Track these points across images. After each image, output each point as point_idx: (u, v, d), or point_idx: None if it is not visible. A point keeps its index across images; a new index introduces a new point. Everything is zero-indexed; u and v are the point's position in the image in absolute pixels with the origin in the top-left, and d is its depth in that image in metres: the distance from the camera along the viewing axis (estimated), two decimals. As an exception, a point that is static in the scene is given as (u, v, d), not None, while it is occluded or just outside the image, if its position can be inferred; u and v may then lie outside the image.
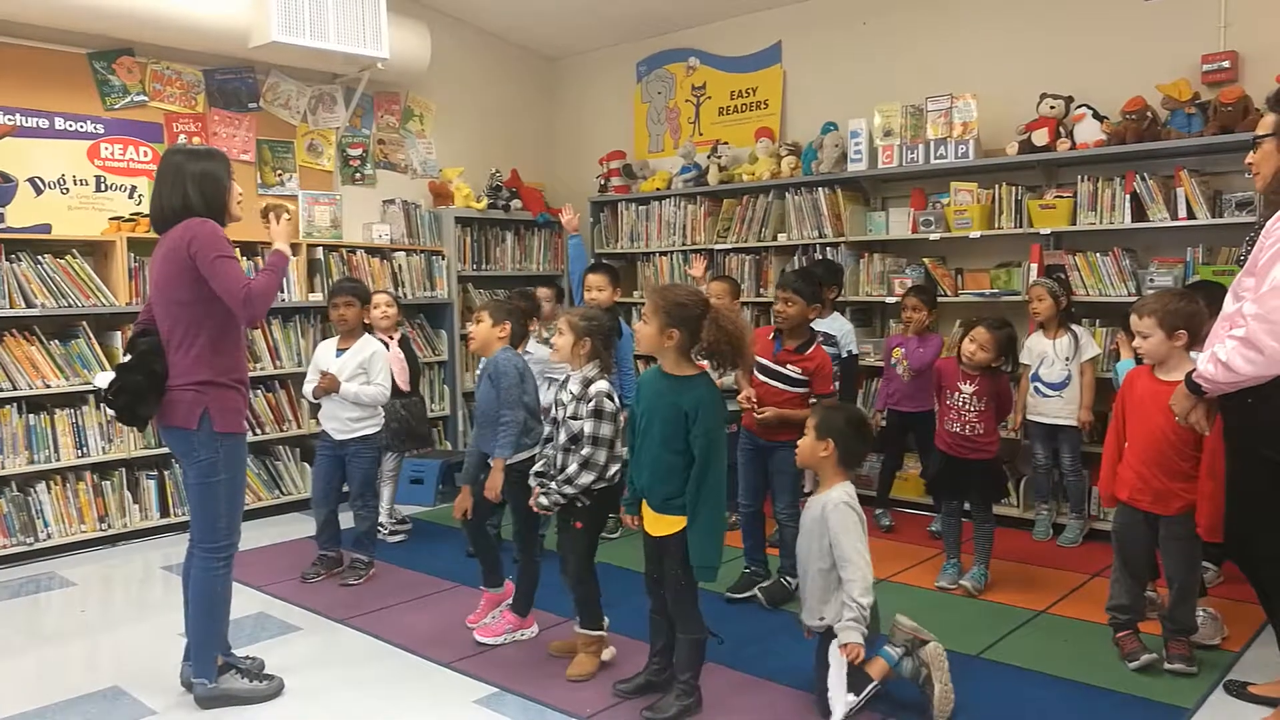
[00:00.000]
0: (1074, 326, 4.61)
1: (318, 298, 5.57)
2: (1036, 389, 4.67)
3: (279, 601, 4.03)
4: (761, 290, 5.97)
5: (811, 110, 6.06)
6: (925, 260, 5.34)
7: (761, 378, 3.86)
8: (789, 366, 3.81)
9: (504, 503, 3.56)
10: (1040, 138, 4.91)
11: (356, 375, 4.30)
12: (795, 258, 5.81)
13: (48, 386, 4.64)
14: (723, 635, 3.10)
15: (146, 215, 5.08)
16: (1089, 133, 4.77)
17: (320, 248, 5.73)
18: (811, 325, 3.97)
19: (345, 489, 4.44)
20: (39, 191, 4.97)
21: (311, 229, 5.94)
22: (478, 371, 3.73)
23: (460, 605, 3.85)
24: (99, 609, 4.08)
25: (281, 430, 5.50)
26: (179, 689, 3.13)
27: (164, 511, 5.05)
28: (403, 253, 6.11)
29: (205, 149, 3.11)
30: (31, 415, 4.62)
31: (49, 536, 4.68)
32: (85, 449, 4.78)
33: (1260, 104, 4.13)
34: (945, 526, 4.20)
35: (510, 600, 3.64)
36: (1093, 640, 3.44)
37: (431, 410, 6.05)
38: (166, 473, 5.07)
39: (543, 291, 5.00)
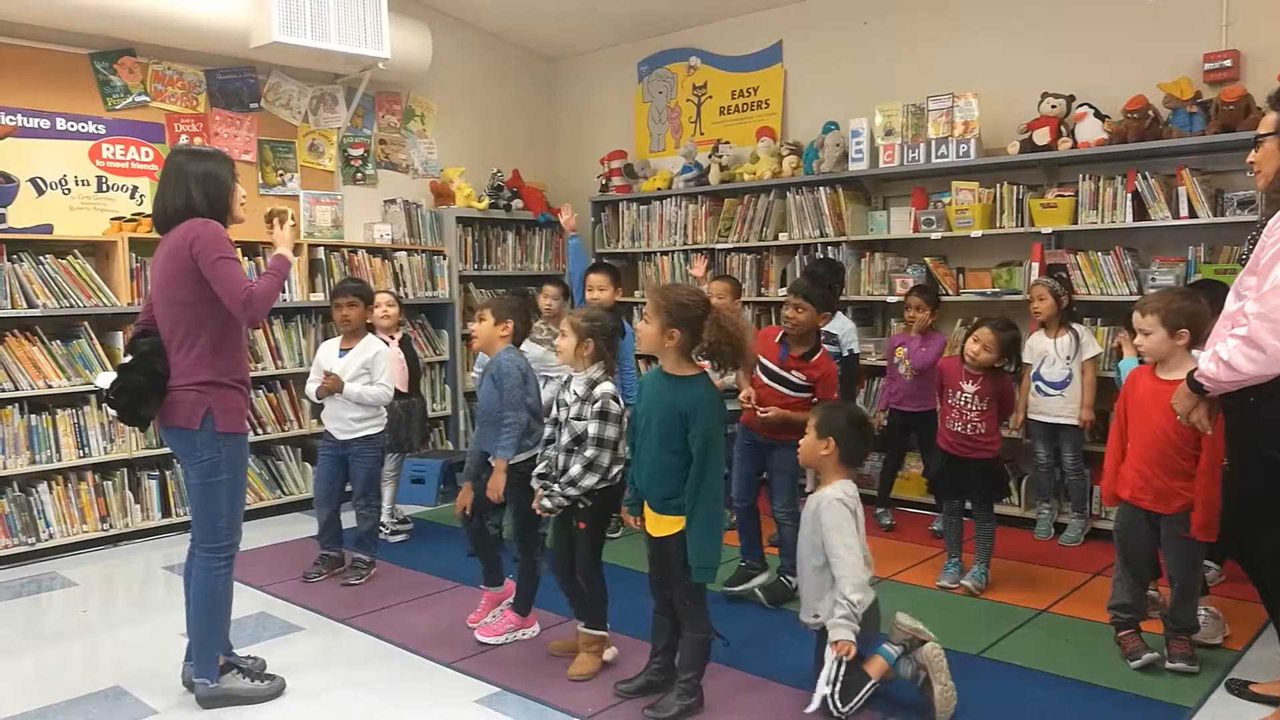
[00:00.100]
0: (1075, 325, 4.61)
1: (319, 298, 5.57)
2: (1038, 388, 4.67)
3: (280, 601, 4.03)
4: (763, 290, 5.97)
5: (812, 110, 6.06)
6: (926, 259, 5.34)
7: (765, 380, 3.86)
8: (794, 373, 3.81)
9: (505, 503, 3.56)
10: (1042, 137, 4.91)
11: (360, 375, 4.30)
12: (796, 257, 5.81)
13: (49, 387, 4.64)
14: (725, 636, 3.09)
15: (148, 215, 5.10)
16: (1090, 132, 4.76)
17: (321, 248, 5.73)
18: (819, 331, 3.95)
19: (348, 489, 4.44)
20: (40, 192, 4.97)
21: (313, 229, 5.95)
22: (474, 369, 3.73)
23: (461, 605, 3.85)
24: (100, 609, 4.08)
25: (283, 430, 5.50)
26: (180, 689, 3.14)
27: (165, 511, 5.05)
28: (404, 253, 6.12)
29: (210, 150, 3.12)
30: (33, 415, 4.62)
31: (51, 537, 4.68)
32: (87, 449, 4.78)
33: (1262, 103, 4.12)
34: (946, 526, 4.20)
35: (511, 599, 3.64)
36: (1094, 639, 3.43)
37: (432, 410, 6.05)
38: (168, 473, 5.07)
39: (550, 290, 4.95)
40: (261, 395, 5.38)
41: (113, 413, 2.95)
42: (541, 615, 3.64)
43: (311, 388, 4.38)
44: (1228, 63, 4.51)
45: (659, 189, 6.57)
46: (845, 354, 4.81)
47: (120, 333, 4.80)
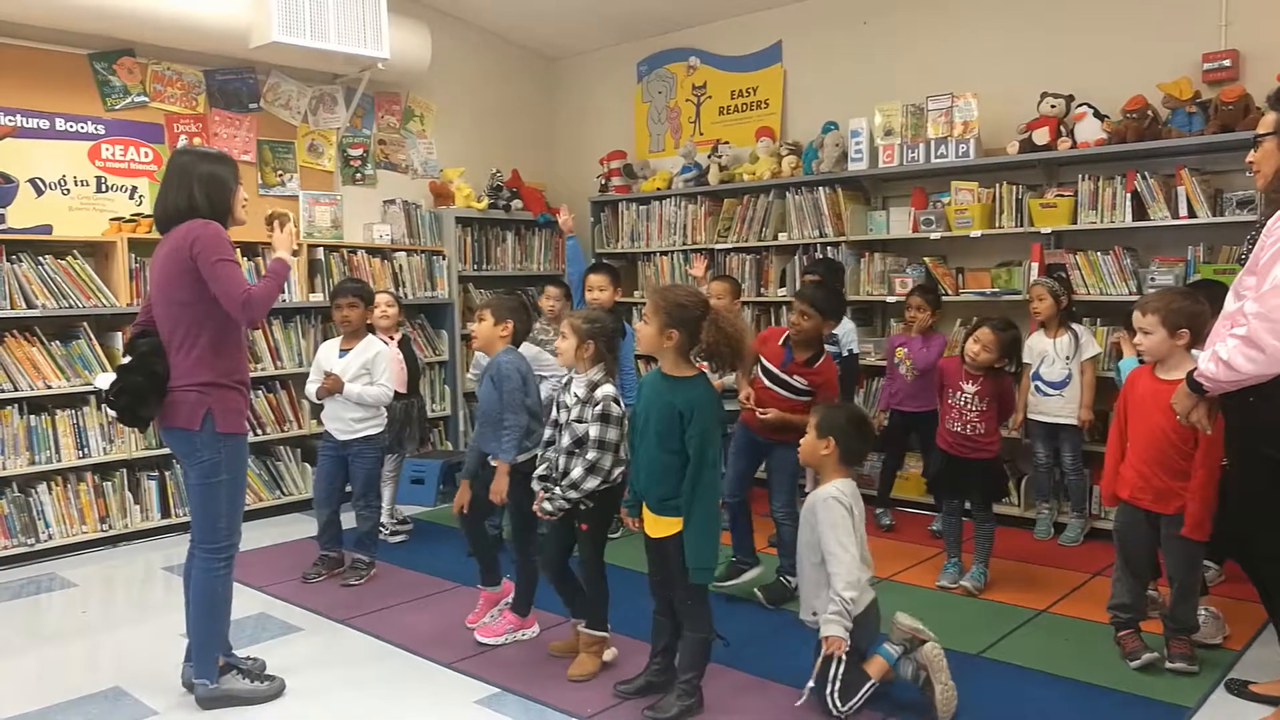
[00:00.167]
0: (1075, 325, 4.61)
1: (319, 298, 5.57)
2: (1037, 388, 4.67)
3: (280, 602, 4.03)
4: (762, 290, 5.97)
5: (812, 110, 6.06)
6: (926, 259, 5.34)
7: (767, 383, 3.85)
8: (796, 378, 3.80)
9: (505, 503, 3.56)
10: (1041, 137, 4.91)
11: (360, 376, 4.30)
12: (796, 257, 5.81)
13: (49, 387, 4.64)
14: (725, 636, 3.09)
15: (148, 216, 5.11)
16: (1090, 132, 4.76)
17: (321, 248, 5.73)
18: (822, 336, 3.93)
19: (347, 489, 4.44)
20: (40, 192, 4.97)
21: (312, 229, 5.95)
22: (470, 369, 3.72)
23: (461, 605, 3.85)
24: (100, 610, 4.08)
25: (282, 431, 5.50)
26: (180, 689, 3.13)
27: (165, 512, 5.05)
28: (403, 253, 6.12)
29: (214, 152, 3.12)
30: (33, 416, 4.62)
31: (50, 537, 4.68)
32: (86, 450, 4.78)
33: (1261, 102, 4.13)
34: (946, 526, 4.20)
35: (508, 599, 3.64)
36: (1094, 639, 3.44)
37: (432, 410, 6.05)
38: (167, 473, 5.07)
39: (552, 291, 4.95)
40: (261, 396, 5.38)
41: (112, 414, 2.95)
42: (541, 615, 3.63)
43: (311, 388, 4.38)
44: (1227, 62, 4.51)
45: (658, 189, 6.57)
46: (845, 354, 4.82)
47: (119, 333, 4.80)
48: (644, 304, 2.99)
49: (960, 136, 5.14)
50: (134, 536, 4.94)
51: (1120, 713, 2.94)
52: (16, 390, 4.54)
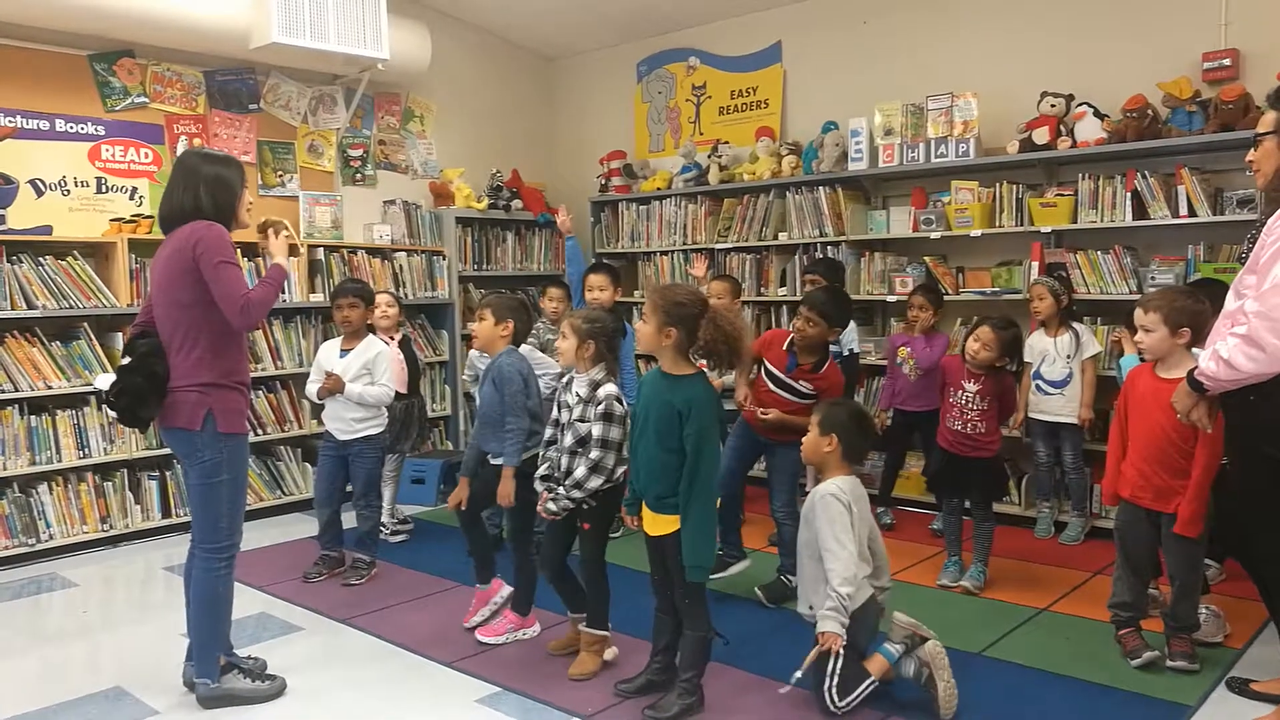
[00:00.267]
0: (1075, 324, 4.61)
1: (319, 298, 5.57)
2: (1038, 387, 4.67)
3: (281, 601, 4.03)
4: (762, 290, 5.97)
5: (812, 109, 6.06)
6: (926, 259, 5.34)
7: (771, 386, 3.85)
8: (801, 383, 3.80)
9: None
10: (1041, 136, 4.91)
11: (361, 376, 4.30)
12: (796, 257, 5.81)
13: (49, 388, 4.64)
14: (725, 635, 3.09)
15: (148, 216, 5.12)
16: (1090, 131, 4.76)
17: (321, 248, 5.73)
18: (828, 342, 3.90)
19: (348, 489, 4.44)
20: (40, 193, 4.97)
21: (312, 230, 5.95)
22: (465, 372, 3.72)
23: (462, 605, 3.84)
24: (101, 610, 4.08)
25: (283, 431, 5.50)
26: (181, 689, 3.14)
27: (165, 512, 5.05)
28: (403, 253, 6.12)
29: (222, 155, 3.13)
30: (33, 416, 4.62)
31: (51, 537, 4.68)
32: (87, 450, 4.78)
33: (1261, 101, 4.13)
34: (946, 525, 4.20)
35: (498, 597, 3.65)
36: (1095, 638, 3.44)
37: (432, 410, 6.05)
38: (168, 473, 5.07)
39: (554, 292, 4.94)
40: (261, 396, 5.38)
41: (112, 414, 2.95)
42: (541, 615, 3.63)
43: (312, 388, 4.38)
44: (1227, 62, 4.51)
45: (658, 189, 6.57)
46: (845, 354, 4.82)
47: (120, 334, 4.80)
48: (644, 304, 2.99)
49: (960, 136, 5.14)
50: (135, 536, 4.94)
51: (1121, 711, 2.94)
52: (17, 390, 4.54)
